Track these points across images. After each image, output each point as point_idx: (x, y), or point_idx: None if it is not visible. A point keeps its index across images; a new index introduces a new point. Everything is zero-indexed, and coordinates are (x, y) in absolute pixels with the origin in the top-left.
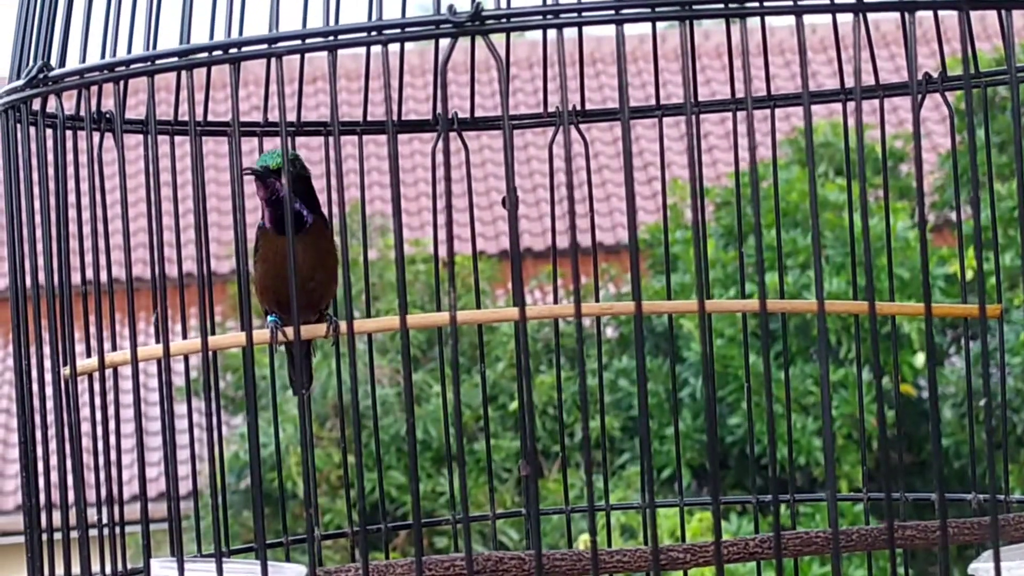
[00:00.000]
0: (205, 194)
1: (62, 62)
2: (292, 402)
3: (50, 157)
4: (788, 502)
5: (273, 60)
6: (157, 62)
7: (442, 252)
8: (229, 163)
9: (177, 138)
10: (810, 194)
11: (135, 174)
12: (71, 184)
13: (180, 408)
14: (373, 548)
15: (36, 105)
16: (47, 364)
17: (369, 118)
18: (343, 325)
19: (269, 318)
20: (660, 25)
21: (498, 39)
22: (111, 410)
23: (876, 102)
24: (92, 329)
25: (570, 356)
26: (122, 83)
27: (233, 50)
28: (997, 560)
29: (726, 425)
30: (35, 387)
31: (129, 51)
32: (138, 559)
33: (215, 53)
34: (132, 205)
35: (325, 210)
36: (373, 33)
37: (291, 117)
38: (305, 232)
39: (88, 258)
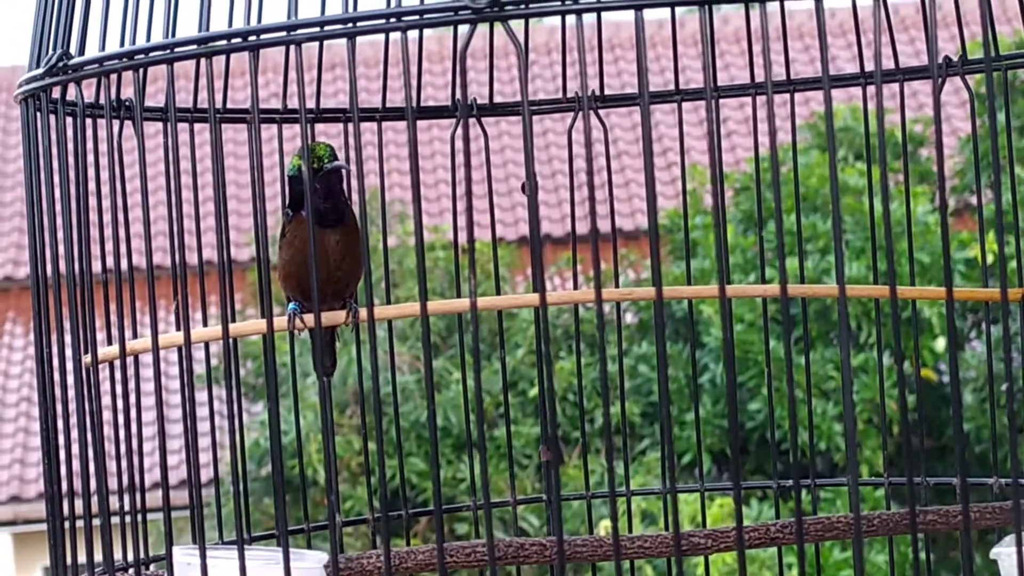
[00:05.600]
0: (225, 181)
1: (81, 50)
2: (312, 389)
3: (70, 146)
4: (809, 487)
5: (292, 47)
6: (176, 50)
7: (462, 238)
8: (248, 150)
9: (196, 126)
10: (831, 178)
11: (155, 162)
12: (91, 172)
13: (201, 396)
14: (393, 535)
15: (56, 93)
16: (68, 352)
17: (388, 104)
18: (363, 312)
19: (290, 306)
20: (679, 10)
21: (517, 25)
22: (132, 398)
23: (895, 87)
24: (113, 317)
25: (589, 342)
26: (141, 71)
27: (252, 37)
28: (1020, 544)
29: (746, 411)
30: (56, 375)
31: (148, 39)
32: (160, 547)
33: (234, 40)
34: (151, 193)
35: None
36: (392, 20)
37: (310, 104)
38: (343, 224)
39: (108, 246)
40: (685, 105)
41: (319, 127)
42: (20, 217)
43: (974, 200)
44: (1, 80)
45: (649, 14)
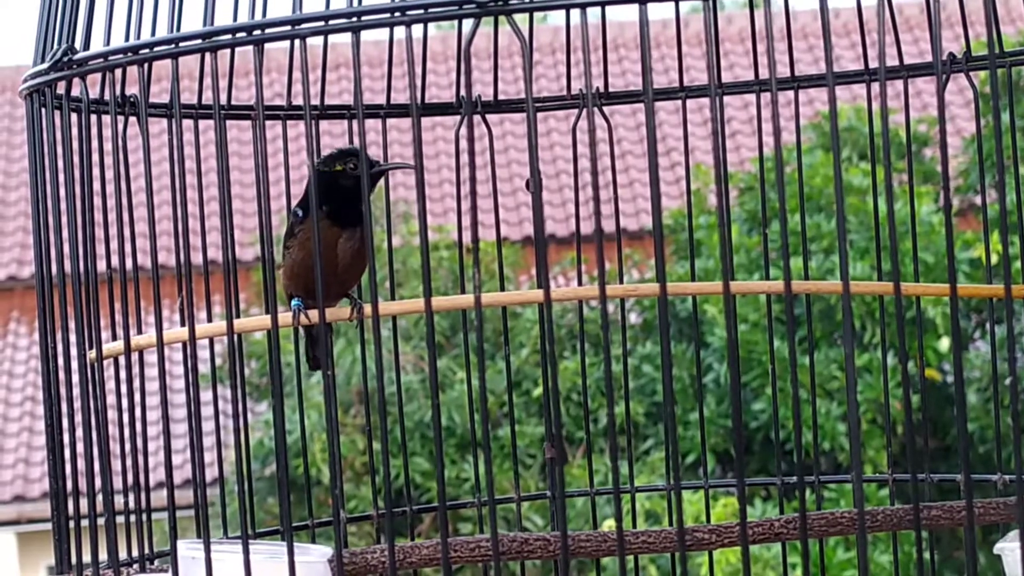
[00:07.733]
0: (229, 178)
1: (86, 45)
2: (315, 389)
3: (75, 142)
4: (813, 484)
5: (297, 42)
6: (181, 45)
7: (466, 238)
8: (253, 147)
9: (200, 123)
10: (835, 177)
11: (159, 161)
12: (95, 171)
13: (205, 395)
14: (397, 533)
15: (60, 89)
16: (73, 348)
17: (392, 102)
18: (367, 307)
19: (293, 302)
20: (682, 9)
21: (521, 20)
22: (137, 396)
23: (899, 86)
24: (118, 316)
25: (593, 342)
26: (146, 66)
27: (257, 32)
28: None
29: (750, 411)
30: (61, 371)
31: (153, 34)
32: (164, 544)
33: (239, 35)
34: (156, 193)
35: None
36: (396, 14)
37: (314, 101)
38: (362, 226)
39: (113, 244)
40: (689, 106)
41: (323, 125)
42: (24, 217)
43: (977, 200)
44: (4, 80)
45: (652, 14)
